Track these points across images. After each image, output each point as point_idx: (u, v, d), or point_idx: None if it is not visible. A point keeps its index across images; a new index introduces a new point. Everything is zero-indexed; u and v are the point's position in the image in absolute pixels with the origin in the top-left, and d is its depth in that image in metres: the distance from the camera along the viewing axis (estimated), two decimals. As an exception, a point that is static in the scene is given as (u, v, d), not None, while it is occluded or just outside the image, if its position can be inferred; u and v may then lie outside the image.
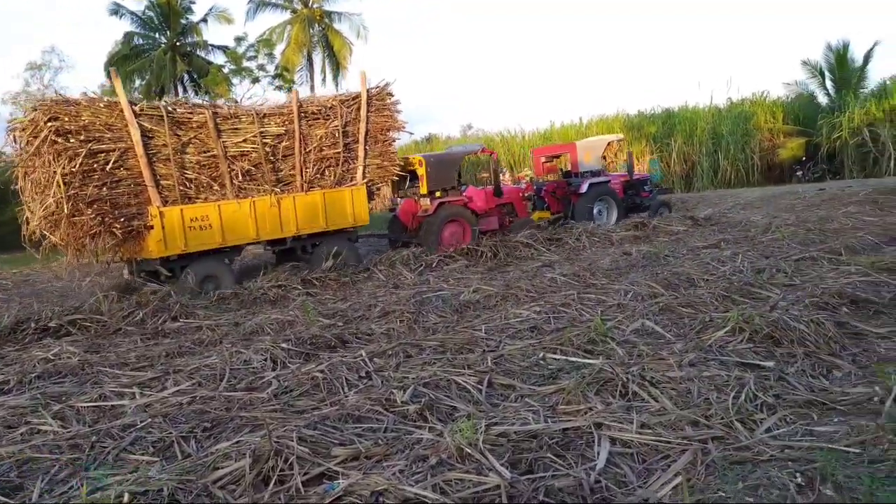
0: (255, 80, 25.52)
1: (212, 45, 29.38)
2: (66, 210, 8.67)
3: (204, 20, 29.15)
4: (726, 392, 4.30)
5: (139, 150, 9.07)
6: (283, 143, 10.50)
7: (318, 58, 31.81)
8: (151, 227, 9.23)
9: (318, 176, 10.90)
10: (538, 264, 10.16)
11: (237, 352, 6.20)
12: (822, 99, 25.27)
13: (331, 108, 10.98)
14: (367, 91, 11.29)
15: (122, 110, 9.03)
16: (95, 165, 8.89)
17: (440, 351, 5.83)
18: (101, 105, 9.04)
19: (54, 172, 8.64)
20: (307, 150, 10.69)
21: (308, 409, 4.64)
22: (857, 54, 24.08)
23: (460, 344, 5.92)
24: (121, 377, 5.85)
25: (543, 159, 15.56)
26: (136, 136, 9.04)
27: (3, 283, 13.89)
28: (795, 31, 55.57)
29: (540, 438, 3.81)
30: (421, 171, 11.86)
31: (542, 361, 5.27)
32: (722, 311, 6.15)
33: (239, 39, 26.73)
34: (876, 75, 24.10)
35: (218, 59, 28.79)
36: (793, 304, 6.05)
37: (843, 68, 23.99)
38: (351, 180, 11.21)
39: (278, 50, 29.58)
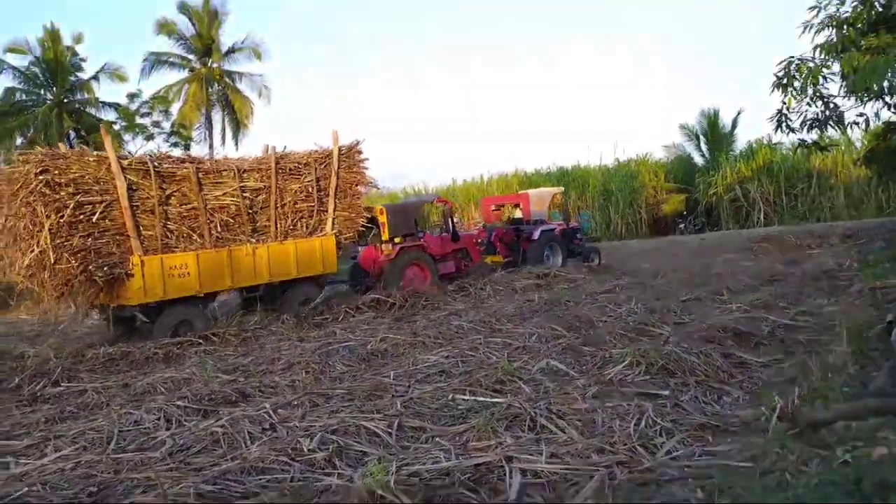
0: (150, 137, 24.65)
1: (103, 103, 28.26)
2: (51, 259, 8.75)
3: (95, 77, 28.06)
4: (628, 420, 4.46)
5: (124, 202, 9.31)
6: (261, 197, 10.97)
7: (217, 115, 31.31)
8: (132, 275, 9.36)
9: (292, 227, 11.35)
10: (445, 313, 10.21)
11: (126, 413, 5.76)
12: (699, 159, 27.59)
13: (305, 164, 11.53)
14: (339, 149, 11.88)
15: (110, 164, 9.25)
16: (82, 216, 9.06)
17: (348, 399, 5.69)
18: (91, 159, 9.25)
19: (41, 223, 8.76)
20: (282, 203, 11.20)
21: (206, 466, 4.35)
22: (726, 120, 26.67)
23: (368, 391, 5.80)
24: (-9, 446, 5.28)
25: (493, 207, 16.50)
26: (122, 188, 9.29)
27: None
28: (669, 98, 60.77)
29: (452, 475, 3.78)
30: (382, 220, 12.52)
31: (451, 402, 5.26)
32: (620, 348, 6.42)
33: (132, 96, 25.87)
34: (743, 138, 26.67)
35: (109, 115, 27.69)
36: (683, 339, 6.42)
37: (714, 132, 26.41)
38: (321, 231, 11.70)
39: (175, 107, 28.90)
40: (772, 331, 6.96)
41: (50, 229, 8.75)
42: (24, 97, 27.65)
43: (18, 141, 27.33)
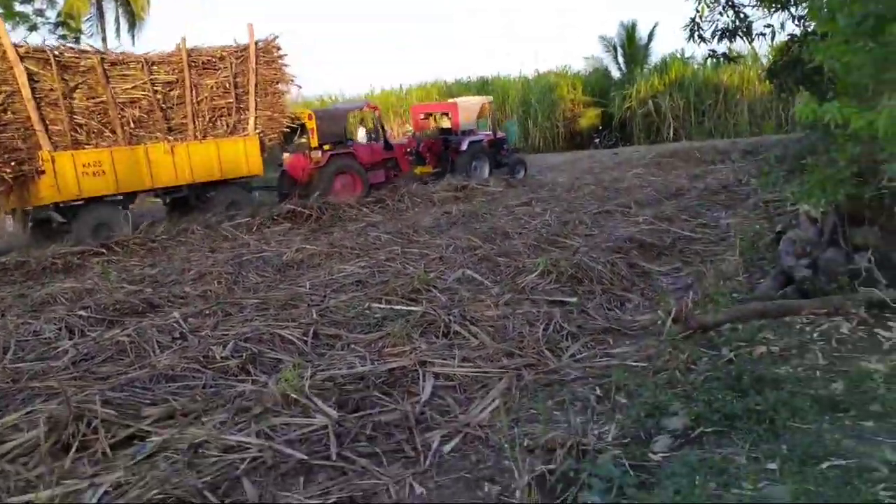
0: (33, 28, 22.23)
1: (-26, -15, 25.09)
2: None
3: (-37, -47, 24.74)
4: (537, 326, 4.66)
5: (25, 91, 8.90)
6: (174, 92, 10.55)
7: (110, 5, 28.49)
8: (43, 172, 8.99)
9: (211, 125, 11.03)
10: (363, 224, 10.13)
11: (24, 323, 5.50)
12: (616, 73, 27.80)
13: (220, 58, 11.09)
14: (255, 44, 11.38)
15: (5, 52, 8.80)
16: None
17: (262, 308, 5.64)
18: None
19: None
20: (198, 99, 10.79)
21: (113, 374, 4.26)
22: (643, 32, 26.79)
23: (283, 300, 5.76)
24: None
25: (421, 116, 16.01)
26: (21, 77, 8.87)
27: None
28: (594, 7, 60.10)
29: (367, 380, 3.86)
30: (311, 125, 12.04)
31: (367, 311, 5.31)
32: (533, 258, 6.61)
33: (10, -21, 23.09)
34: (659, 52, 26.97)
35: (-17, 0, 24.70)
36: (592, 250, 6.68)
37: (631, 45, 26.54)
38: (243, 131, 11.41)
39: (61, -5, 26.05)
40: (673, 242, 7.34)
41: None
42: None
43: None
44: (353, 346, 4.61)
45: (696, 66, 23.66)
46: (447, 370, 3.98)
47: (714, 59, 11.00)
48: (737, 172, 12.26)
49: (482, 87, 28.58)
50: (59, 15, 23.85)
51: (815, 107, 3.83)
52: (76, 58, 9.58)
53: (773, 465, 2.55)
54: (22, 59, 8.93)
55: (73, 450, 3.18)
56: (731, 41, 10.10)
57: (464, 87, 29.08)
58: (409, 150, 14.45)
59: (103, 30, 26.65)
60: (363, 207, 11.54)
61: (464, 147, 14.62)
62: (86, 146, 9.58)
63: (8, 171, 8.76)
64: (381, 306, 5.39)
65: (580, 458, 2.80)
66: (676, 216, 8.52)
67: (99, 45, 26.02)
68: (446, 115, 15.57)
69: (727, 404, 3.10)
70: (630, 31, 26.46)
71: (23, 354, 4.78)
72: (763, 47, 14.69)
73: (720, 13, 9.82)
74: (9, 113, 8.88)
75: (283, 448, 3.07)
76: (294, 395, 3.54)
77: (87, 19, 26.77)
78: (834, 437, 2.72)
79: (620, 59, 27.12)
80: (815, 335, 3.95)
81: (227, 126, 11.26)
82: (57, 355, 4.70)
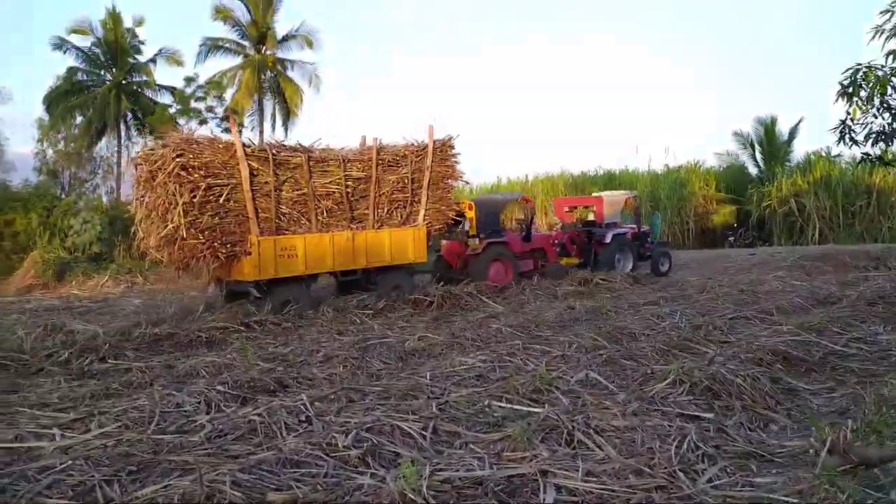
0: (203, 122, 25.23)
1: (159, 86, 29.02)
2: (183, 234, 9.54)
3: (153, 60, 28.84)
4: (668, 442, 4.34)
5: (246, 185, 10.13)
6: (361, 186, 11.63)
7: (269, 103, 31.79)
8: (249, 254, 10.18)
9: (388, 216, 12.02)
10: (484, 315, 10.16)
11: (169, 394, 5.89)
12: (752, 169, 26.81)
13: (403, 156, 12.13)
14: (434, 143, 12.42)
15: (235, 151, 10.07)
16: (210, 198, 9.85)
17: (384, 397, 5.69)
18: (220, 145, 10.10)
19: (176, 202, 9.53)
20: (380, 192, 11.83)
21: (243, 454, 4.41)
22: (783, 128, 25.80)
23: (404, 390, 5.80)
24: (40, 418, 5.45)
25: (566, 209, 16.72)
26: (244, 173, 10.10)
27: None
28: (724, 104, 59.07)
29: (485, 485, 3.73)
30: (470, 215, 13.10)
31: (487, 409, 5.21)
32: (662, 364, 6.26)
33: (189, 80, 26.51)
34: (801, 149, 25.80)
35: (165, 98, 28.43)
36: (730, 360, 6.22)
37: (771, 141, 25.59)
38: (414, 221, 12.32)
39: (229, 93, 29.46)
40: (823, 357, 6.70)
41: (183, 208, 9.52)
42: (85, 77, 28.60)
43: (78, 119, 28.29)
44: (471, 445, 4.50)
45: (843, 166, 22.27)
46: (570, 483, 3.76)
47: (867, 163, 10.30)
48: (895, 282, 11.14)
49: (609, 180, 28.53)
50: (225, 110, 26.89)
51: None
52: (289, 156, 10.76)
53: None
54: (247, 156, 10.19)
55: (202, 529, 3.28)
56: (888, 144, 9.44)
57: (589, 180, 29.17)
58: (555, 241, 15.00)
59: (262, 123, 29.63)
60: (484, 298, 11.61)
61: (608, 240, 14.96)
62: (285, 232, 10.68)
63: (223, 251, 9.97)
64: (502, 405, 5.28)
65: None
66: (826, 327, 7.80)
67: (257, 137, 28.93)
68: (590, 208, 16.06)
69: (902, 563, 2.67)
70: (769, 127, 25.61)
71: (164, 426, 5.10)
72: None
73: (874, 115, 9.25)
74: (231, 202, 10.07)
75: (398, 553, 2.99)
76: (412, 496, 3.47)
77: (250, 114, 29.97)
78: None
79: (758, 156, 26.16)
80: None
81: (401, 217, 12.17)
82: (194, 429, 4.96)
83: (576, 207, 16.73)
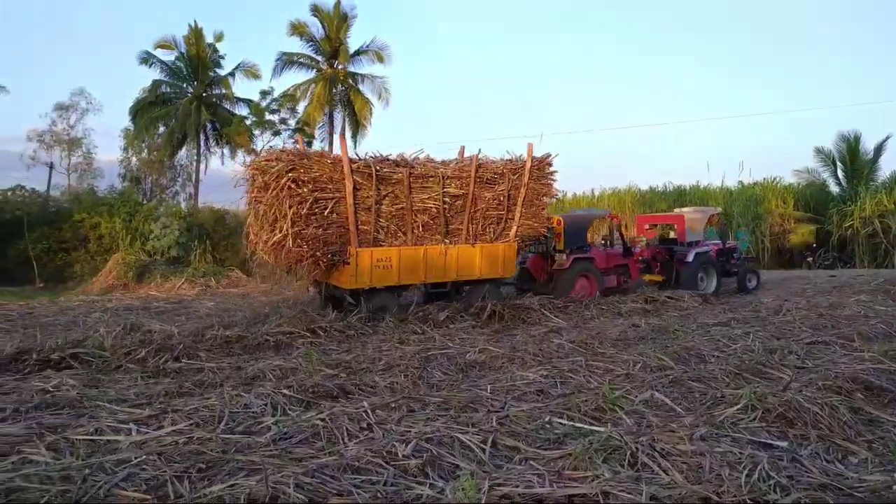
0: (276, 133, 26.09)
1: (237, 98, 30.24)
2: (291, 243, 10.19)
3: (232, 74, 30.10)
4: (738, 469, 4.17)
5: (349, 200, 10.59)
6: (458, 202, 11.83)
7: (338, 116, 32.61)
8: (348, 264, 10.72)
9: (481, 231, 12.15)
10: (545, 329, 10.05)
11: (237, 395, 6.08)
12: (834, 188, 25.54)
13: (501, 173, 12.19)
14: (532, 160, 12.50)
15: (342, 166, 10.52)
16: (316, 210, 10.41)
17: (444, 408, 5.71)
18: (328, 161, 10.57)
19: (285, 213, 10.18)
20: (476, 209, 12.00)
21: (306, 457, 4.51)
22: (868, 146, 24.48)
23: (465, 402, 5.80)
24: (118, 413, 5.74)
25: (647, 226, 16.63)
26: (349, 188, 10.57)
27: (8, 314, 13.86)
28: (801, 122, 56.67)
29: (545, 503, 3.67)
30: (558, 230, 13.28)
31: (548, 425, 5.15)
32: (733, 388, 6.03)
33: (265, 93, 27.49)
34: (888, 167, 24.40)
35: (242, 110, 29.60)
36: (806, 386, 5.93)
37: (854, 158, 24.33)
38: (505, 237, 12.40)
39: (301, 105, 30.38)
40: (910, 387, 6.28)
41: (291, 218, 10.14)
42: (168, 90, 30.10)
43: (161, 129, 29.78)
44: (531, 461, 4.46)
45: (935, 184, 20.98)
46: (633, 507, 3.67)
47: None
48: None
49: (678, 196, 27.81)
50: (297, 122, 27.74)
51: None
52: (391, 171, 11.08)
53: None
54: (353, 172, 10.62)
55: (265, 529, 3.36)
56: None
57: (658, 196, 28.51)
58: (640, 258, 14.96)
59: (331, 135, 30.40)
60: (547, 312, 11.48)
61: (689, 259, 14.71)
62: (382, 244, 11.10)
63: (325, 260, 10.57)
64: (563, 422, 5.20)
65: None
66: (913, 356, 7.31)
67: (326, 148, 29.70)
68: (671, 226, 15.93)
69: None
70: (853, 144, 24.37)
71: (233, 426, 5.27)
72: None
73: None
74: (334, 214, 10.59)
75: (456, 566, 2.98)
76: (471, 509, 3.46)
77: (320, 126, 30.81)
78: None
79: (840, 174, 24.91)
80: None
81: (494, 233, 12.28)
82: (261, 431, 5.11)
83: (656, 225, 16.61)
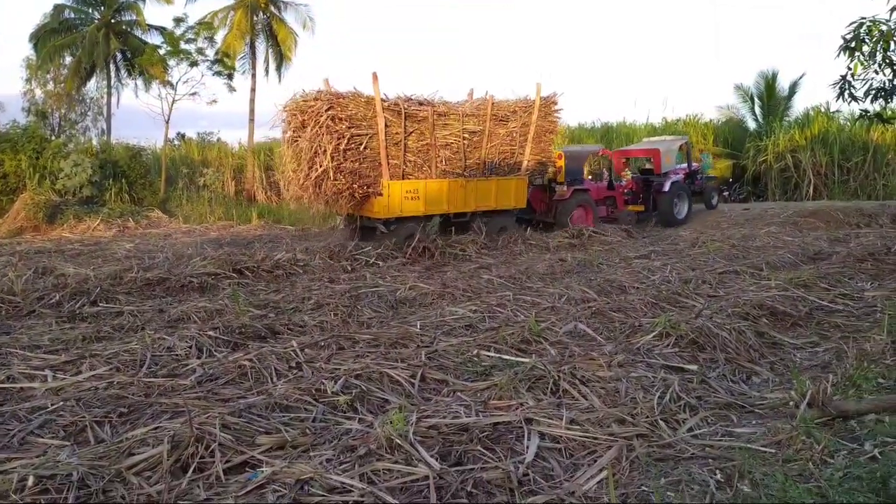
0: (194, 64, 24.60)
1: (149, 26, 28.23)
2: (331, 176, 10.97)
3: (142, -1, 27.99)
4: (652, 392, 4.42)
5: (381, 136, 11.32)
6: (476, 138, 12.71)
7: (261, 47, 30.98)
8: (380, 195, 11.53)
9: (496, 166, 13.10)
10: (476, 266, 10.20)
11: (160, 338, 5.93)
12: (751, 124, 26.46)
13: (513, 112, 13.12)
14: (540, 99, 13.34)
15: (374, 105, 11.21)
16: (353, 146, 11.14)
17: (374, 345, 5.75)
18: (362, 100, 11.22)
19: (325, 149, 10.94)
20: (491, 144, 12.93)
21: (233, 398, 4.48)
22: (784, 83, 25.38)
23: (394, 338, 5.85)
24: (32, 359, 5.50)
25: (624, 159, 17.45)
26: (381, 125, 11.29)
27: None
28: (727, 59, 58.04)
29: (470, 432, 3.80)
30: (560, 163, 14.10)
31: (475, 358, 5.27)
32: (650, 317, 6.33)
33: (178, 21, 25.66)
34: (801, 104, 25.42)
35: (155, 39, 27.69)
36: (716, 314, 6.28)
37: (771, 96, 25.21)
38: (517, 172, 13.40)
39: (219, 35, 28.65)
40: (809, 312, 6.77)
41: (331, 153, 10.90)
42: (72, 15, 27.76)
43: (66, 59, 27.62)
44: (459, 393, 4.58)
45: (841, 122, 22.02)
46: (554, 431, 3.84)
47: (866, 120, 10.16)
48: (886, 239, 11.18)
49: (606, 133, 28.21)
50: (216, 53, 26.23)
51: None
52: (417, 109, 11.84)
53: None
54: (384, 110, 11.30)
55: (192, 470, 3.35)
56: (887, 101, 9.30)
57: (587, 132, 28.83)
58: (626, 190, 16.04)
59: (254, 67, 28.95)
60: (478, 249, 11.63)
61: (666, 188, 15.84)
62: (409, 177, 11.91)
63: (360, 192, 11.33)
64: (490, 354, 5.34)
65: (695, 551, 2.58)
66: (814, 283, 7.85)
67: (249, 82, 28.38)
68: (648, 158, 17.18)
69: (871, 511, 2.76)
70: (770, 82, 25.16)
71: (156, 369, 5.15)
72: (923, 105, 13.42)
73: (875, 71, 9.07)
74: (367, 150, 11.31)
75: (384, 495, 3.07)
76: (398, 441, 3.54)
77: (241, 58, 29.25)
78: None
79: (758, 110, 25.79)
80: (981, 439, 3.46)
81: (507, 167, 13.28)
82: (185, 373, 5.02)
83: (629, 158, 17.68)
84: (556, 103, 13.77)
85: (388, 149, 11.50)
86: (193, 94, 23.40)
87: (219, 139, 30.15)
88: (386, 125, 11.38)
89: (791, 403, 4.24)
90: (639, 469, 3.48)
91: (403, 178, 11.80)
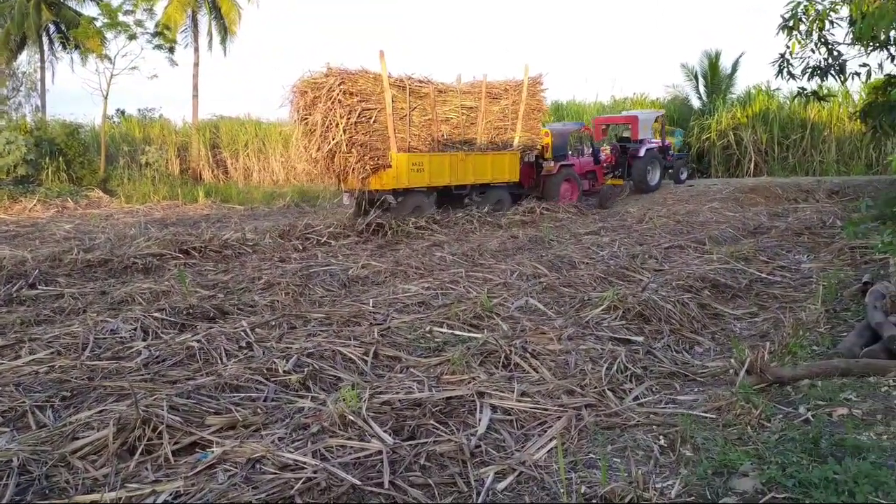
0: (132, 37, 23.60)
1: (84, -5, 26.90)
2: (344, 148, 11.60)
3: (76, -33, 26.61)
4: (600, 364, 4.54)
5: (389, 110, 11.93)
6: (472, 114, 13.49)
7: (204, 19, 29.95)
8: (389, 167, 12.08)
9: (491, 142, 13.88)
10: (428, 243, 10.21)
11: (103, 321, 5.75)
12: (695, 102, 27.07)
13: (505, 90, 13.97)
14: (527, 79, 14.22)
15: (382, 81, 11.85)
16: (363, 119, 11.73)
17: (326, 323, 5.72)
18: (370, 75, 11.84)
19: (338, 123, 11.52)
20: (487, 121, 13.71)
21: (181, 379, 4.39)
22: (727, 62, 26.00)
23: (347, 317, 5.83)
24: (-35, 345, 5.26)
25: (603, 127, 18.20)
26: (388, 100, 11.90)
27: None
28: (676, 39, 59.03)
29: (424, 406, 3.83)
30: (546, 141, 14.80)
31: (428, 335, 5.31)
32: (599, 291, 6.47)
33: (116, -9, 24.60)
34: (743, 83, 26.09)
35: (90, 11, 26.43)
36: (662, 287, 6.47)
37: (714, 74, 25.81)
38: (509, 148, 14.19)
39: (160, 7, 27.54)
40: (749, 284, 7.04)
41: (343, 127, 11.48)
42: (0, -17, 26.23)
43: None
44: (412, 369, 4.61)
45: (781, 100, 22.74)
46: (505, 403, 3.91)
47: (803, 98, 10.53)
48: (821, 213, 11.68)
49: (556, 110, 28.39)
50: (156, 25, 25.23)
51: (916, 156, 3.59)
52: (420, 86, 12.54)
53: (852, 544, 2.37)
54: (390, 86, 11.91)
55: (139, 452, 3.28)
56: (822, 79, 9.64)
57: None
58: (606, 163, 16.76)
59: (196, 40, 27.99)
60: (430, 226, 11.63)
61: (641, 154, 16.61)
62: (415, 150, 12.49)
63: (371, 164, 11.84)
64: (443, 330, 5.38)
65: (640, 513, 2.68)
66: (754, 256, 8.16)
67: (192, 56, 27.43)
68: (626, 126, 17.88)
69: (802, 469, 2.91)
70: (714, 60, 25.72)
71: (99, 352, 5.01)
72: (855, 84, 13.98)
73: (812, 50, 9.39)
74: (376, 123, 11.89)
75: (337, 471, 3.07)
76: (351, 417, 3.55)
77: (183, 31, 28.22)
78: (922, 519, 2.51)
79: (702, 89, 26.38)
80: (903, 400, 3.67)
81: (501, 143, 14.04)
82: (130, 356, 4.89)
83: (608, 126, 18.52)
84: (541, 83, 14.72)
85: (394, 123, 12.11)
86: (133, 68, 22.48)
87: (161, 116, 29.12)
88: (393, 101, 11.98)
89: (731, 371, 4.42)
90: (587, 437, 3.58)
91: (409, 151, 12.36)
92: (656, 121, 18.02)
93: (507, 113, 14.10)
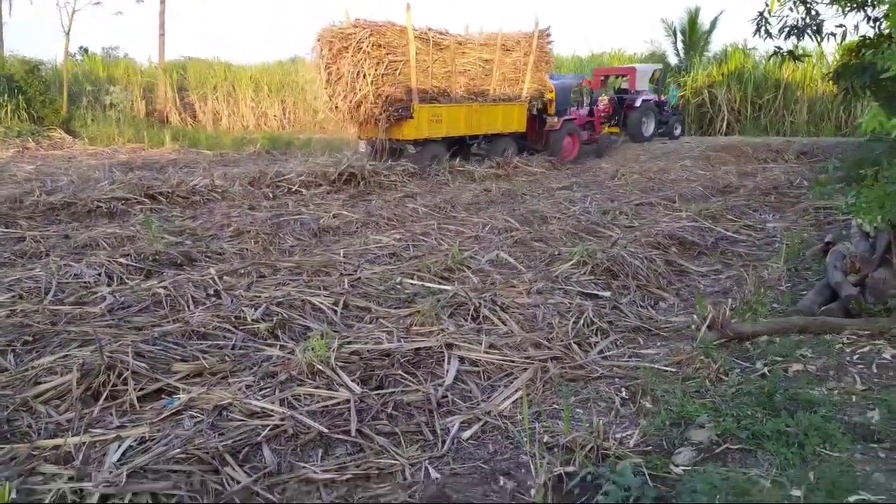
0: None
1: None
2: (371, 99, 11.82)
3: None
4: (567, 318, 4.60)
5: (412, 62, 12.09)
6: (487, 66, 13.65)
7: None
8: (411, 117, 12.24)
9: (502, 93, 14.04)
10: (401, 195, 10.13)
11: (66, 265, 5.64)
12: (673, 59, 26.94)
13: (517, 42, 14.12)
14: (538, 31, 14.39)
15: (407, 34, 11.98)
16: (389, 71, 11.97)
17: (296, 273, 5.68)
18: (397, 28, 11.95)
19: (365, 74, 11.74)
20: (500, 72, 13.87)
21: (147, 326, 4.35)
22: (706, 19, 25.81)
23: (317, 266, 5.79)
24: (-79, 288, 5.12)
25: (602, 78, 18.21)
26: (412, 52, 12.06)
27: None
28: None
29: (392, 357, 3.87)
30: (550, 96, 15.00)
31: (398, 286, 5.31)
32: (569, 247, 6.52)
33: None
34: (721, 41, 25.99)
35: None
36: (630, 243, 6.54)
37: (693, 31, 25.64)
38: (519, 99, 14.38)
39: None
40: (715, 242, 7.16)
41: (371, 77, 11.72)
42: None
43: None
44: (381, 320, 4.62)
45: (757, 59, 22.74)
46: (473, 355, 3.96)
47: (779, 57, 10.53)
48: (789, 173, 11.85)
49: (534, 62, 28.02)
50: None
51: (884, 119, 3.64)
52: (441, 38, 12.66)
53: (797, 493, 2.48)
54: (415, 38, 12.03)
55: (103, 398, 3.27)
56: (799, 39, 9.61)
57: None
58: (604, 114, 16.84)
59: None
60: (403, 178, 11.52)
61: (637, 104, 16.93)
62: (434, 102, 12.67)
63: (395, 114, 12.06)
64: (413, 282, 5.39)
65: (600, 462, 2.77)
66: (721, 215, 8.29)
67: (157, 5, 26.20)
68: (625, 77, 18.14)
69: (756, 422, 3.02)
70: (693, 17, 25.51)
71: (62, 297, 4.92)
72: (830, 46, 14.02)
73: (790, 9, 9.33)
74: (401, 76, 12.12)
75: (304, 419, 3.10)
76: (319, 366, 3.57)
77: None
78: (865, 470, 2.63)
79: (680, 45, 26.22)
80: (854, 357, 3.82)
81: (511, 95, 14.22)
82: (94, 301, 4.82)
83: (609, 76, 18.63)
84: (549, 35, 14.85)
85: (417, 75, 12.27)
86: (97, 3, 21.48)
87: (126, 55, 28.04)
88: (416, 53, 12.14)
89: (693, 326, 4.52)
90: (551, 389, 3.66)
91: (430, 103, 12.55)
92: (654, 74, 18.35)
93: (519, 65, 14.31)
